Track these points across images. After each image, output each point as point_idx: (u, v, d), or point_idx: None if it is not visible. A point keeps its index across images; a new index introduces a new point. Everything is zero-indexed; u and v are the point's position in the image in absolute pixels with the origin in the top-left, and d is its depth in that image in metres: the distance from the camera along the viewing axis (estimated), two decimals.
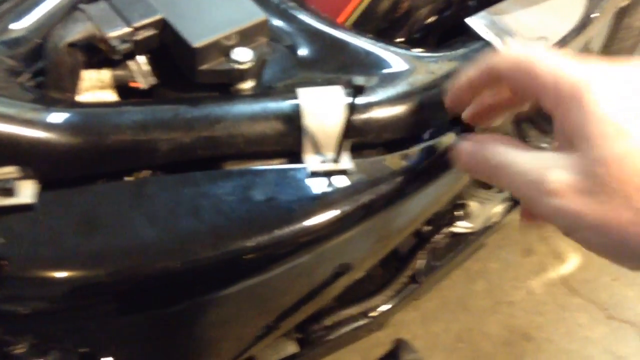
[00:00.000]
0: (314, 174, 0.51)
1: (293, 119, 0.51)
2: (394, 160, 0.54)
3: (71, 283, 0.46)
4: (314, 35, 0.60)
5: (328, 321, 0.92)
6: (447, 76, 0.57)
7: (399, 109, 0.55)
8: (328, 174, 0.52)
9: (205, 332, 0.59)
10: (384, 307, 0.95)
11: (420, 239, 0.91)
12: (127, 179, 0.50)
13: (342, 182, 0.52)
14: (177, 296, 0.50)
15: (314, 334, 0.92)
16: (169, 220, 0.47)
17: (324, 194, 0.51)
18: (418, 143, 0.57)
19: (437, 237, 0.91)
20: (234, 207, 0.49)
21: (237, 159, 0.52)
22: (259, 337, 0.71)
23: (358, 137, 0.54)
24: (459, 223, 0.93)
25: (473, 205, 0.90)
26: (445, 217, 0.88)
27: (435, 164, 0.56)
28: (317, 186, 0.51)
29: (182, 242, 0.47)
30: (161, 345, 0.59)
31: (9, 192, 0.45)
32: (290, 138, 0.52)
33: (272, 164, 0.53)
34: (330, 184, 0.52)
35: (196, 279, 0.49)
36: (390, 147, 0.57)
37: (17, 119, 0.45)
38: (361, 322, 0.94)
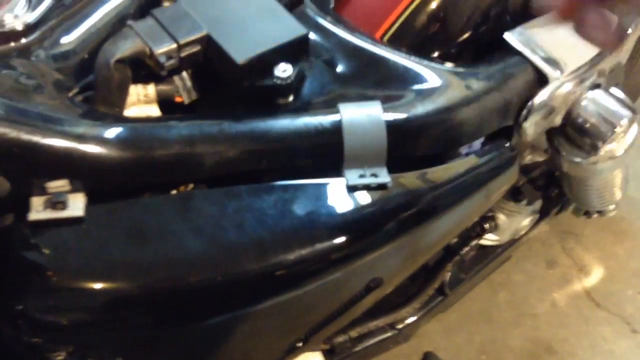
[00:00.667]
0: (354, 188, 0.52)
1: (334, 134, 0.52)
2: (432, 175, 0.55)
3: (118, 294, 0.47)
4: (352, 51, 0.60)
5: (354, 333, 0.93)
6: (485, 92, 0.58)
7: (437, 124, 0.55)
8: (367, 187, 0.52)
9: (241, 344, 0.60)
10: (411, 319, 0.95)
11: (448, 252, 0.91)
12: (172, 192, 0.51)
13: (380, 196, 0.52)
14: (220, 307, 0.51)
15: (341, 346, 0.92)
16: (214, 233, 0.48)
17: (363, 209, 0.52)
18: (455, 157, 0.58)
19: (465, 250, 0.91)
20: (276, 221, 0.50)
21: (279, 173, 0.53)
22: (291, 349, 0.72)
23: (396, 152, 0.54)
24: (486, 236, 0.93)
25: (501, 218, 0.90)
26: (473, 229, 0.88)
27: (473, 180, 0.56)
28: (356, 201, 0.52)
29: (226, 254, 0.48)
30: (197, 356, 0.59)
31: (61, 205, 0.46)
32: (330, 152, 0.53)
33: (312, 177, 0.53)
34: (368, 198, 0.52)
35: (239, 291, 0.50)
36: (427, 161, 0.57)
37: (69, 134, 0.46)
38: (388, 334, 0.94)
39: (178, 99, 0.56)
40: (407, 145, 0.54)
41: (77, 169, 0.46)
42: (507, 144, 0.58)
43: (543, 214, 0.96)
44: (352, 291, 0.62)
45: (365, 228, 0.53)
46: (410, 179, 0.54)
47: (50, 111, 0.47)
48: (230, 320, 0.54)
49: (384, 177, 0.53)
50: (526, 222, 0.94)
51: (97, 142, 0.46)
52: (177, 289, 0.48)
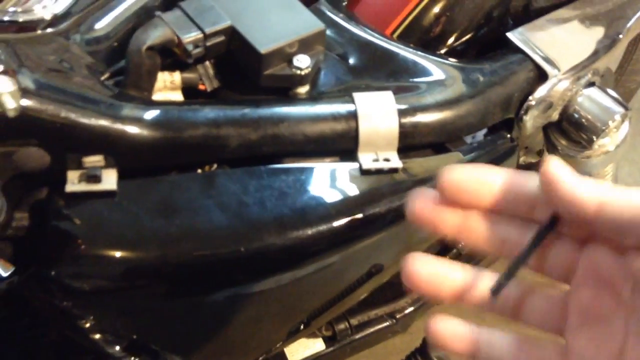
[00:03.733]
0: (367, 172, 0.56)
1: (349, 121, 0.56)
2: (439, 162, 0.59)
3: (146, 263, 0.51)
4: (364, 45, 0.64)
5: (355, 321, 0.96)
6: (489, 86, 0.62)
7: (444, 114, 0.59)
8: (379, 171, 0.56)
9: (251, 322, 0.63)
10: (409, 310, 0.99)
11: (446, 244, 0.94)
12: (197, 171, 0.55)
13: (392, 180, 0.56)
14: (242, 278, 0.54)
15: (341, 333, 0.95)
16: (237, 209, 0.52)
17: (375, 191, 0.55)
18: (460, 146, 0.62)
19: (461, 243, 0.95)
20: (295, 199, 0.53)
21: (297, 156, 0.56)
22: (293, 332, 0.75)
23: (407, 139, 0.58)
24: None
25: None
26: None
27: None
28: (369, 183, 0.55)
29: (248, 228, 0.52)
30: (204, 335, 0.62)
31: (96, 179, 0.49)
32: (346, 138, 0.56)
33: (328, 161, 0.57)
34: (381, 181, 0.56)
35: (260, 263, 0.53)
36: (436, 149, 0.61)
37: (109, 114, 0.49)
38: (387, 323, 0.98)
39: (201, 87, 0.59)
40: (416, 133, 0.58)
41: (113, 146, 0.50)
42: (508, 136, 0.62)
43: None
44: (356, 273, 0.66)
45: (376, 209, 0.56)
46: (419, 165, 0.58)
47: (89, 92, 0.50)
48: (245, 295, 0.57)
49: (395, 161, 0.57)
50: None
51: (134, 123, 0.50)
52: (202, 260, 0.51)
